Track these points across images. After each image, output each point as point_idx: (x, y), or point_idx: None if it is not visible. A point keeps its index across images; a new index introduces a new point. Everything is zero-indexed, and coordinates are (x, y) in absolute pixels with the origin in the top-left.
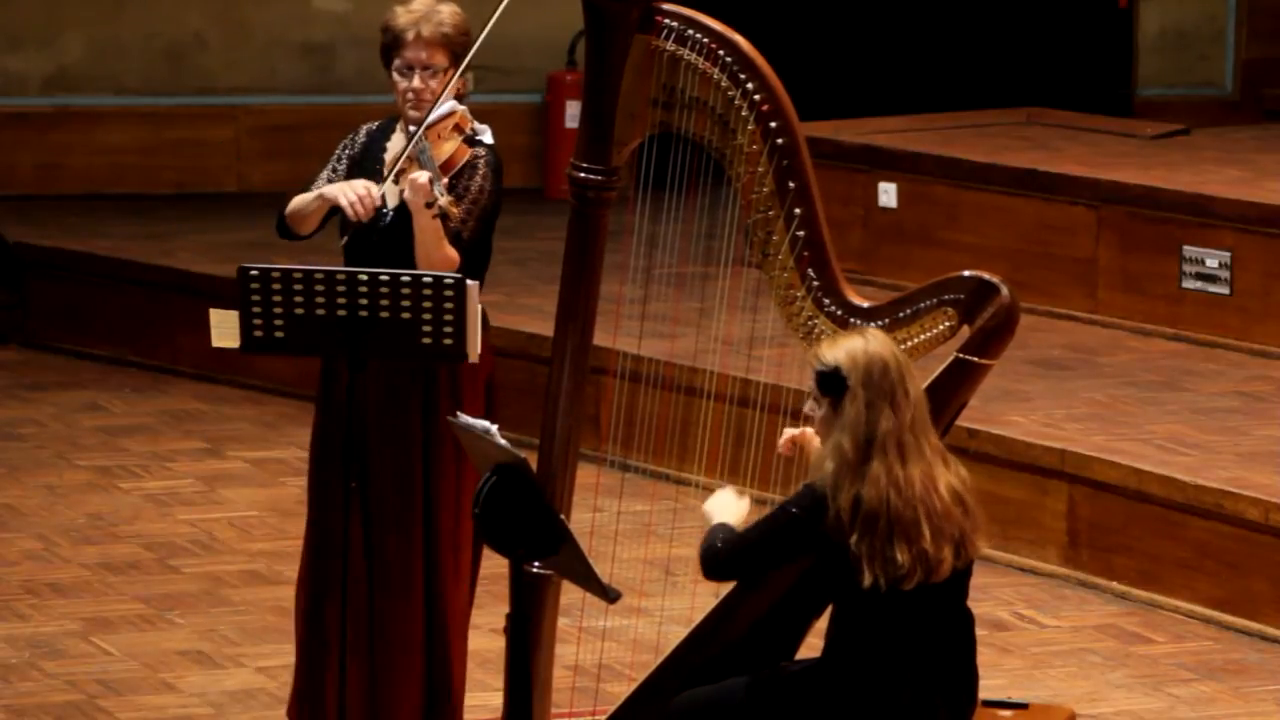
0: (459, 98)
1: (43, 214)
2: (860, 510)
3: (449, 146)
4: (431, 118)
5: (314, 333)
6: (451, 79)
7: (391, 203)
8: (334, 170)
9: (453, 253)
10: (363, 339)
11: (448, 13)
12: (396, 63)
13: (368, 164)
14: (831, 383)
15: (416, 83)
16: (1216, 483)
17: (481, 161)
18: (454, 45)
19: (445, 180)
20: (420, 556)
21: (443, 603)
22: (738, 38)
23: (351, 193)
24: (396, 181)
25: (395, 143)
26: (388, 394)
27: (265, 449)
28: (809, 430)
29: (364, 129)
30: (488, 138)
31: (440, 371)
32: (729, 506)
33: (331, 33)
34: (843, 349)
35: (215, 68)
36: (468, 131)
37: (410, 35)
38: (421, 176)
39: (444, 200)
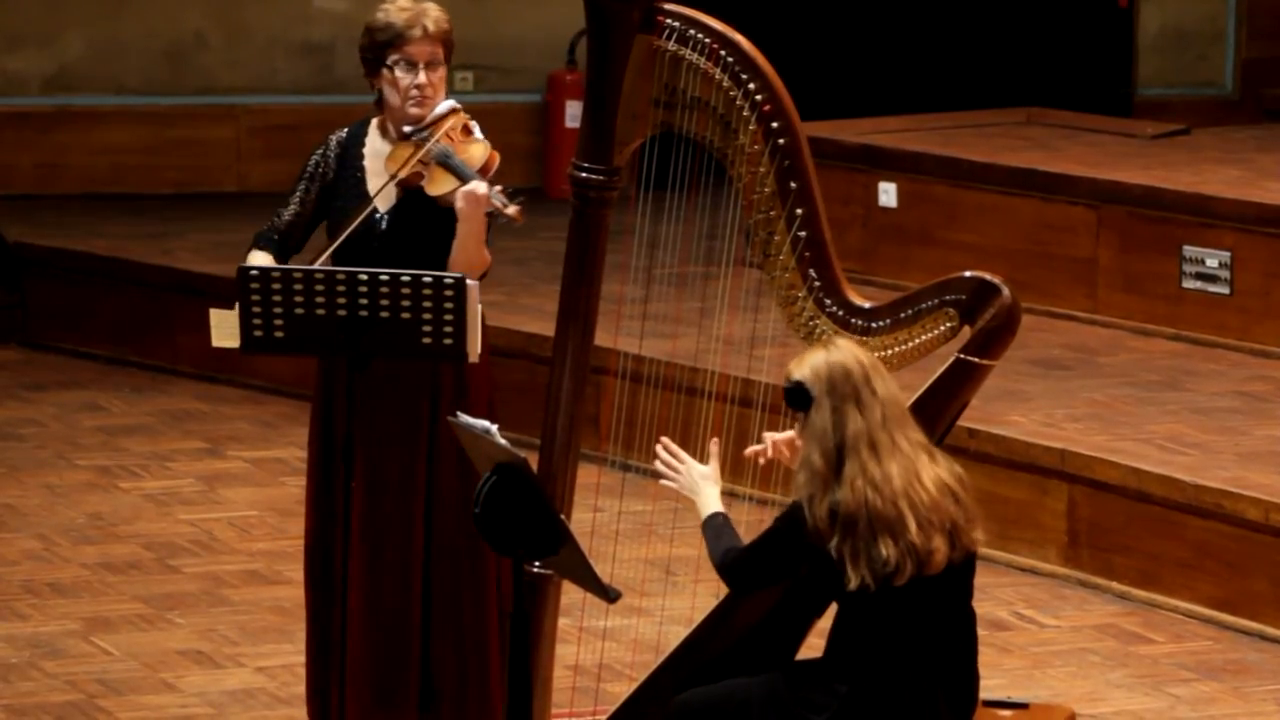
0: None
1: (43, 214)
2: (838, 516)
3: (479, 150)
4: (432, 116)
5: (314, 333)
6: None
7: (384, 207)
8: (301, 204)
9: (489, 255)
10: (363, 339)
11: (438, 9)
12: (397, 59)
13: (345, 174)
14: (798, 397)
15: (422, 78)
16: (1216, 483)
17: None
18: (450, 41)
19: (494, 185)
20: (419, 557)
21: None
22: (739, 38)
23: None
24: (401, 185)
25: (376, 146)
26: (391, 395)
27: (265, 449)
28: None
29: (333, 140)
30: (479, 134)
31: (445, 373)
32: (703, 482)
33: (331, 33)
34: (806, 364)
35: (215, 67)
36: (476, 134)
37: (417, 31)
38: (480, 188)
39: (513, 209)
